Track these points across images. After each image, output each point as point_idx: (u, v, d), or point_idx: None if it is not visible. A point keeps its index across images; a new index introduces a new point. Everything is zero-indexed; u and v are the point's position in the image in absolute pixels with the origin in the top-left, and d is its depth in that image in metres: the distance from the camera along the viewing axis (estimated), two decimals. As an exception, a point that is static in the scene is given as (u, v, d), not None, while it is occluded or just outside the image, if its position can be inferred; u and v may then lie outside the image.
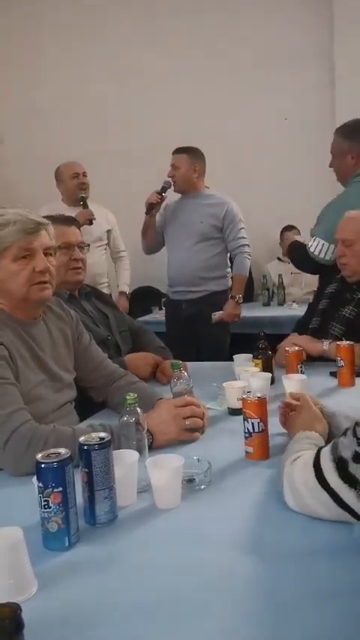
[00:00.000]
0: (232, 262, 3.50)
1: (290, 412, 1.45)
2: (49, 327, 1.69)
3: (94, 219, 3.36)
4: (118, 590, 0.90)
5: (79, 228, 2.26)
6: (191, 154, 3.42)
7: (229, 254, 3.47)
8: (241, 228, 3.38)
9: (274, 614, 0.84)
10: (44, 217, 2.25)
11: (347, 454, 0.97)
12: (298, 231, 4.61)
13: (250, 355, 2.02)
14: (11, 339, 1.52)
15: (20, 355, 1.53)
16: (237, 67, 4.73)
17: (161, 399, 1.72)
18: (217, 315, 3.34)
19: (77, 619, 0.84)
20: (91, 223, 3.34)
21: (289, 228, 4.63)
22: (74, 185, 3.55)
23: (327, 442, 1.27)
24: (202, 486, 1.24)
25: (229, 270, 3.49)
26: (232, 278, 3.49)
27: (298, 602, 0.85)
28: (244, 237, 3.39)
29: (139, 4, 4.84)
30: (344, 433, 1.01)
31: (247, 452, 1.38)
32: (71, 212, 3.17)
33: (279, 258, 4.74)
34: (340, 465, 0.98)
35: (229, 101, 4.74)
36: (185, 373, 1.73)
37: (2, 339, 1.48)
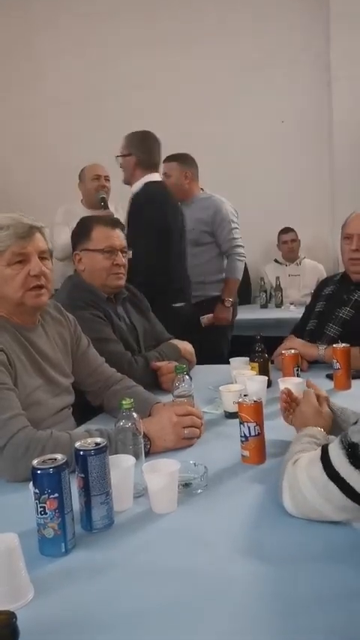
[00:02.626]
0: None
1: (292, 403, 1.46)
2: (48, 332, 1.69)
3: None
4: (115, 596, 0.90)
5: (123, 231, 2.22)
6: (181, 160, 3.40)
7: (224, 257, 3.46)
8: (233, 229, 3.35)
9: (271, 618, 0.84)
10: (87, 218, 2.21)
11: (358, 438, 0.97)
12: (296, 233, 4.63)
13: (247, 358, 2.03)
14: (10, 344, 1.52)
15: (19, 360, 1.53)
16: (234, 69, 4.73)
17: (158, 403, 1.72)
18: (205, 318, 3.33)
19: (74, 625, 0.84)
20: None
21: (286, 230, 4.64)
22: (94, 187, 3.55)
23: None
24: (199, 491, 1.25)
25: (225, 274, 3.49)
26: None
27: (296, 605, 0.85)
28: (235, 238, 3.36)
29: (138, 6, 4.85)
30: (355, 423, 1.01)
31: (243, 456, 1.38)
32: (88, 214, 3.20)
33: (276, 260, 4.75)
34: (351, 452, 0.97)
35: (227, 103, 4.75)
36: (188, 377, 1.73)
37: (1, 344, 1.48)
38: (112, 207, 3.53)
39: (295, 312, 3.65)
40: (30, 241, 1.55)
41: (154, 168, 2.96)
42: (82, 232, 2.17)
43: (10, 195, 4.67)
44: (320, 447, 1.07)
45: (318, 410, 1.37)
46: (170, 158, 3.40)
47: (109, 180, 3.60)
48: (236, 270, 3.39)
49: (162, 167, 3.39)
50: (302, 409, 1.38)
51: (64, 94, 4.94)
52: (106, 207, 3.46)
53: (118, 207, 3.50)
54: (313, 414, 1.35)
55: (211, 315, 3.35)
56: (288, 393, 1.51)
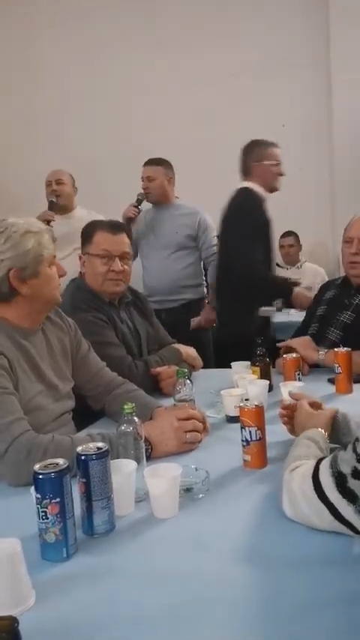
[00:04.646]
0: (205, 270, 3.55)
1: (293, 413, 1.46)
2: (48, 337, 1.69)
3: (53, 219, 3.33)
4: (116, 601, 0.90)
5: (129, 237, 2.20)
6: (165, 165, 3.46)
7: (202, 263, 3.53)
8: (214, 236, 3.44)
9: (271, 622, 0.84)
10: (93, 222, 2.26)
11: (346, 469, 0.97)
12: (296, 237, 4.63)
13: (248, 362, 2.02)
14: (10, 349, 1.52)
15: (19, 365, 1.53)
16: (234, 74, 4.73)
17: (160, 407, 1.72)
18: (195, 321, 3.40)
19: (75, 630, 0.85)
20: (48, 225, 3.30)
21: (286, 234, 4.64)
22: (47, 193, 3.60)
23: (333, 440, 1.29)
24: (200, 495, 1.25)
25: (204, 278, 3.56)
26: (206, 286, 3.55)
27: (296, 610, 0.85)
28: (217, 245, 3.43)
29: (138, 12, 4.86)
30: (344, 447, 1.01)
31: (244, 460, 1.38)
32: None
33: (277, 264, 4.75)
34: (340, 480, 0.98)
35: (227, 108, 4.75)
36: (189, 381, 1.73)
37: (2, 349, 1.48)
38: (86, 212, 3.52)
39: (296, 316, 3.64)
40: (54, 245, 1.64)
41: None
42: (86, 235, 2.18)
43: (13, 197, 4.69)
44: (314, 462, 1.07)
45: (311, 412, 1.37)
46: (154, 162, 3.46)
47: (61, 183, 3.60)
48: None
49: (144, 170, 3.43)
50: (297, 419, 1.39)
51: (64, 96, 4.95)
52: (51, 209, 3.47)
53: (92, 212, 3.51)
54: (308, 417, 1.35)
55: (199, 317, 3.42)
56: (285, 406, 1.51)
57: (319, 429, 1.28)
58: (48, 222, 3.29)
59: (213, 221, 3.47)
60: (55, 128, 4.95)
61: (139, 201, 3.42)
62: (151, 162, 3.45)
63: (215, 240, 3.44)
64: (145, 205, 3.51)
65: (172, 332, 3.18)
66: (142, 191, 3.44)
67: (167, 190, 3.45)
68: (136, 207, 3.40)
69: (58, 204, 3.52)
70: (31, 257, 1.54)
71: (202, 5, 4.78)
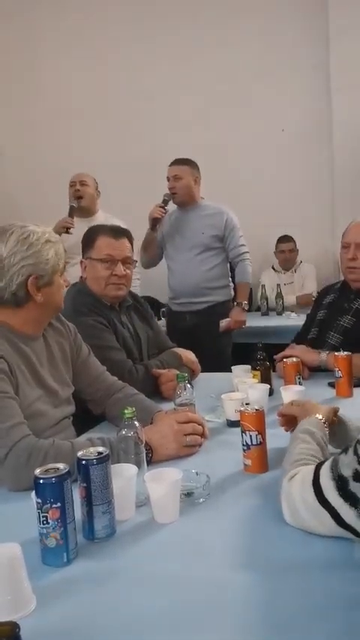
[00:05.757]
0: (232, 271, 3.52)
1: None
2: (48, 342, 1.69)
3: (72, 227, 3.31)
4: (117, 606, 0.90)
5: (130, 242, 2.20)
6: (192, 165, 3.43)
7: (229, 264, 3.50)
8: (241, 236, 3.42)
9: (272, 627, 0.84)
10: (94, 226, 2.28)
11: (347, 472, 0.97)
12: (294, 242, 4.64)
13: (249, 367, 2.02)
14: (10, 354, 1.51)
15: (19, 370, 1.53)
16: (234, 78, 4.76)
17: (160, 411, 1.72)
18: (224, 323, 3.35)
19: (76, 635, 0.84)
20: (67, 232, 3.28)
21: (284, 239, 4.64)
22: (70, 194, 3.57)
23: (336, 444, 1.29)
24: (201, 500, 1.25)
25: (230, 279, 3.52)
26: (234, 287, 3.52)
27: (296, 615, 0.85)
28: (244, 245, 3.42)
29: (139, 18, 4.88)
30: (344, 451, 1.01)
31: (245, 464, 1.38)
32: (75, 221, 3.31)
33: (273, 268, 4.76)
34: (341, 484, 0.97)
35: (227, 112, 4.77)
36: (190, 386, 1.73)
37: (2, 353, 1.48)
38: (109, 216, 3.50)
39: (296, 320, 3.65)
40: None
41: None
42: (87, 240, 2.18)
43: (15, 202, 4.70)
44: (314, 467, 1.06)
45: (311, 404, 1.37)
46: (181, 161, 3.42)
47: (84, 184, 3.59)
48: (247, 274, 3.45)
49: (170, 169, 3.40)
50: (297, 411, 1.39)
51: (66, 103, 4.96)
52: (70, 214, 3.43)
53: (108, 217, 3.47)
54: (308, 409, 1.35)
55: (228, 319, 3.37)
56: (281, 413, 1.50)
57: (317, 416, 1.28)
58: (67, 229, 3.27)
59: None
60: (56, 133, 4.96)
61: (165, 202, 3.37)
62: (178, 161, 3.42)
63: (242, 240, 3.41)
64: (171, 208, 3.48)
65: (195, 335, 3.14)
66: (168, 192, 3.39)
67: (193, 190, 3.41)
68: (163, 207, 3.36)
69: (79, 208, 3.48)
70: (50, 266, 1.57)
71: (203, 9, 4.80)
